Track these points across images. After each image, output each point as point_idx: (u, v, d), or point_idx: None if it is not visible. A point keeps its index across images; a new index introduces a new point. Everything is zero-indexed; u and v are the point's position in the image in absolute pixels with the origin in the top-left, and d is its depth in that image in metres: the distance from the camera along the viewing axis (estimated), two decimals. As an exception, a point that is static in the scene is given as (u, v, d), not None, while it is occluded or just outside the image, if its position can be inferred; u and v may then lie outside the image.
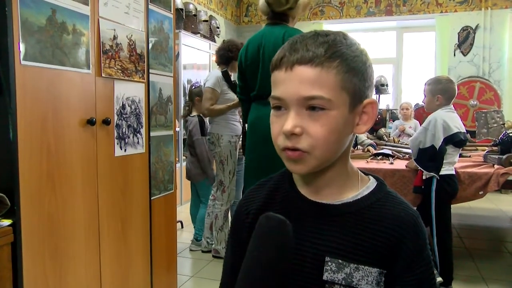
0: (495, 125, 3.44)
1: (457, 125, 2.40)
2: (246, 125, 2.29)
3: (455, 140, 2.38)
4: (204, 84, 3.05)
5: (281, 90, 0.64)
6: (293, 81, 0.63)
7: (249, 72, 2.17)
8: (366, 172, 0.75)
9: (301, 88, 0.62)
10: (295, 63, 0.63)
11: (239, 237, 0.65)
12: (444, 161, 2.40)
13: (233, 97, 3.01)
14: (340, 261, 0.65)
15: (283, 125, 0.63)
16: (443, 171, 2.39)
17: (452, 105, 2.49)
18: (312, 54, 0.62)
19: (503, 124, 3.46)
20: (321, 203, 0.69)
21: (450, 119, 2.40)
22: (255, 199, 0.76)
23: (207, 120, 3.27)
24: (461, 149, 2.55)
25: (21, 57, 1.31)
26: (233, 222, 0.79)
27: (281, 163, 0.69)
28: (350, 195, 0.69)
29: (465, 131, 2.47)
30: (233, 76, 3.04)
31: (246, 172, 2.28)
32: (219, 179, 3.02)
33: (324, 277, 0.65)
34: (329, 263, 0.65)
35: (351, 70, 0.64)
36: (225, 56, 3.07)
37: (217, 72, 3.05)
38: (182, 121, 3.87)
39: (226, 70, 3.05)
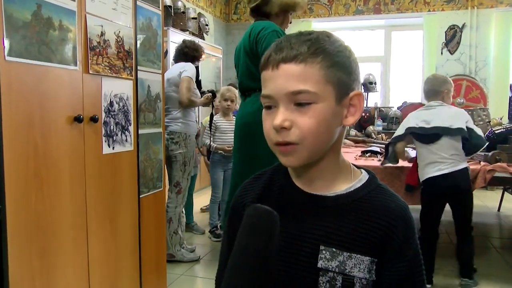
0: (481, 122, 3.49)
1: (418, 121, 2.43)
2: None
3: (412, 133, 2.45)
4: (181, 73, 2.88)
5: (269, 88, 0.68)
6: (279, 78, 0.66)
7: (236, 71, 2.21)
8: (358, 166, 0.77)
9: (287, 84, 0.65)
10: (280, 61, 0.66)
11: (236, 229, 0.66)
12: (421, 163, 2.42)
13: (198, 94, 2.99)
14: (334, 249, 0.68)
15: (274, 120, 0.66)
16: (424, 176, 2.40)
17: (432, 102, 2.48)
18: (296, 52, 0.66)
19: (489, 121, 3.51)
20: (315, 194, 0.72)
21: (414, 115, 2.49)
22: (251, 192, 0.78)
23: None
24: (433, 146, 2.40)
25: (6, 53, 1.28)
26: (229, 215, 0.81)
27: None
28: (343, 187, 0.72)
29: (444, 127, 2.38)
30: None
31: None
32: (176, 180, 2.88)
33: (319, 265, 0.68)
34: (324, 252, 0.68)
35: (335, 64, 0.66)
36: (190, 54, 3.03)
37: (192, 64, 2.96)
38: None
39: (198, 66, 3.01)
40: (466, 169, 2.36)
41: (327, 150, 0.70)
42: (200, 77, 3.09)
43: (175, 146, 2.84)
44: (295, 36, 0.68)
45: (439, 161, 2.35)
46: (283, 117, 0.65)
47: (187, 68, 2.89)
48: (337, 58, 0.67)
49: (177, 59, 3.09)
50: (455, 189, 2.35)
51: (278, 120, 0.65)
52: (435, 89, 2.49)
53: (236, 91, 3.52)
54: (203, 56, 3.19)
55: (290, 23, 2.28)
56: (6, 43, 1.28)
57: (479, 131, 2.40)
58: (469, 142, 2.37)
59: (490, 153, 2.64)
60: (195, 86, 2.96)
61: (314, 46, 0.66)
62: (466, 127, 2.36)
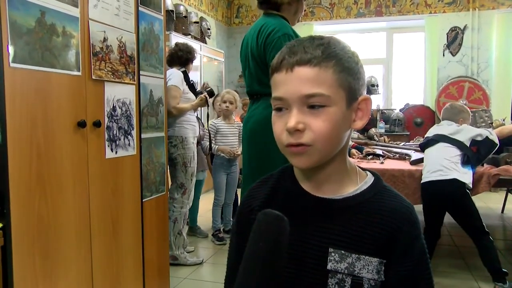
0: (484, 124, 3.48)
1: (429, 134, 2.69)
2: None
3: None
4: (167, 82, 2.83)
5: (282, 90, 0.69)
6: (293, 81, 0.67)
7: (242, 68, 2.15)
8: (363, 168, 0.78)
9: (301, 87, 0.66)
10: (294, 64, 0.67)
11: (244, 233, 0.68)
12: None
13: (192, 97, 2.99)
14: (342, 251, 0.69)
15: (286, 123, 0.67)
16: (422, 180, 2.52)
17: (444, 122, 2.71)
18: (310, 55, 0.67)
19: (491, 123, 3.50)
20: (323, 198, 0.73)
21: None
22: (258, 196, 0.79)
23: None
24: (427, 150, 2.65)
25: (10, 59, 1.30)
26: (237, 219, 0.83)
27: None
28: (350, 189, 0.73)
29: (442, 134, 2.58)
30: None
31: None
32: (180, 182, 2.92)
33: (328, 267, 0.69)
34: (333, 254, 0.69)
35: (346, 70, 0.68)
36: (184, 57, 3.05)
37: (177, 71, 2.95)
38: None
39: (185, 70, 3.01)
40: (455, 180, 2.35)
41: (336, 153, 0.71)
42: (191, 80, 3.06)
43: (174, 149, 2.90)
44: (307, 40, 0.70)
45: (434, 168, 2.42)
46: (296, 120, 0.66)
47: (172, 77, 2.86)
48: (347, 63, 0.69)
49: (171, 63, 3.08)
50: (444, 197, 2.39)
51: (292, 123, 0.66)
52: (451, 118, 2.68)
53: (236, 94, 3.52)
54: (204, 60, 3.18)
55: (305, 11, 2.13)
56: (11, 49, 1.30)
57: (490, 135, 2.50)
58: (479, 152, 2.50)
59: (500, 156, 2.64)
60: (187, 91, 2.96)
61: (328, 51, 0.68)
62: (475, 140, 2.46)
